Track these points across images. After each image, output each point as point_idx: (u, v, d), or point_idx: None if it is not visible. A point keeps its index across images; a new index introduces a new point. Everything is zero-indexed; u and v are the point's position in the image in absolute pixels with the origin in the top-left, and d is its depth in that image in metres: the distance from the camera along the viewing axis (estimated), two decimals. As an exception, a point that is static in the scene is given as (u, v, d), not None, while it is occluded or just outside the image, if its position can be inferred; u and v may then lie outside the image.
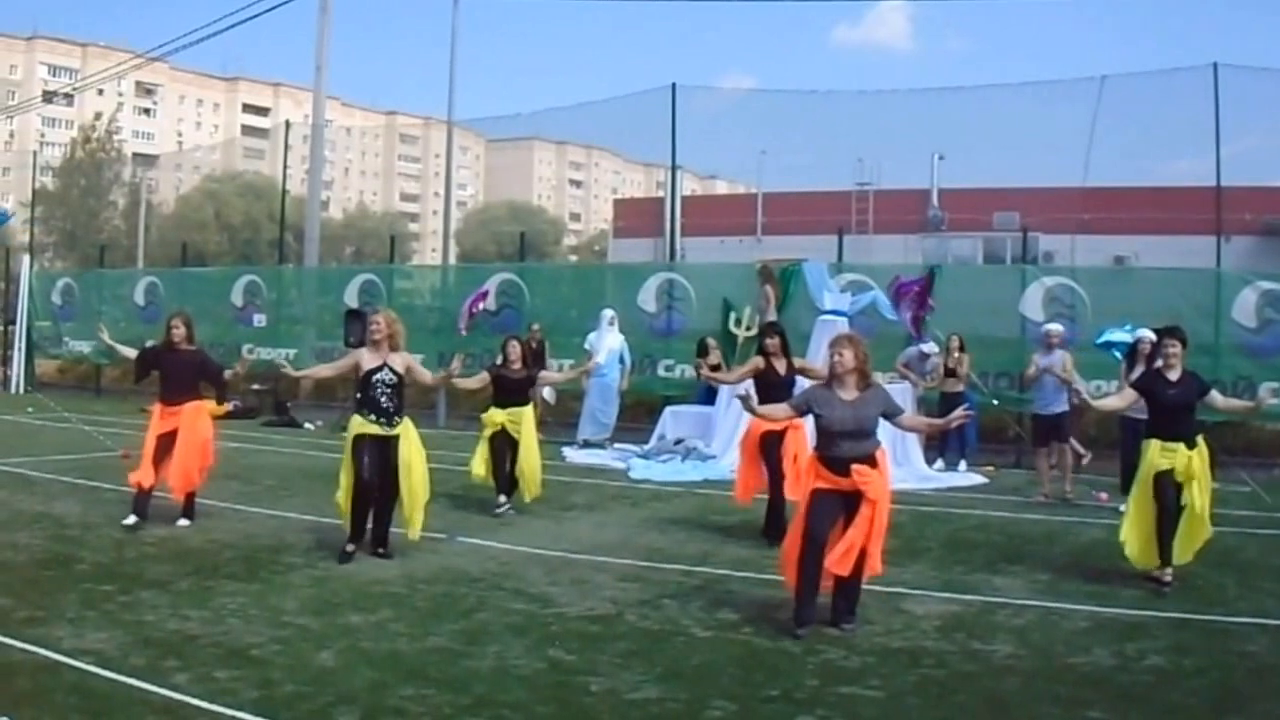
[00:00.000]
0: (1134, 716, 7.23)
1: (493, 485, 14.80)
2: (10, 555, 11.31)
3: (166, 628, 8.70)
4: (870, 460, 9.16)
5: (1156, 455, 11.13)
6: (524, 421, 14.86)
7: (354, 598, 9.82)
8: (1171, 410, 11.30)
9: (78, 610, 9.13)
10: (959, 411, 10.12)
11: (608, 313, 22.42)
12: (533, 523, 13.99)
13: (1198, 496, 11.00)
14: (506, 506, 14.68)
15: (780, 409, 10.43)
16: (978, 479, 18.55)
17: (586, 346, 22.14)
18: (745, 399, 10.24)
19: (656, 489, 17.11)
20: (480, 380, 15.34)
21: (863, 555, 9.08)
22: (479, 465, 14.91)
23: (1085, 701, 7.40)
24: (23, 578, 10.32)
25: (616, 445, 21.22)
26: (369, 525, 11.72)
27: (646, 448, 20.04)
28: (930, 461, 19.14)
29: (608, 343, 22.05)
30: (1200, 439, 11.20)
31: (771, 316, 20.82)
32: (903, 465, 17.90)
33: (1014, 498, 16.87)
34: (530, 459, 14.79)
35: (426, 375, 12.35)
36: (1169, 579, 10.90)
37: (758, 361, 13.58)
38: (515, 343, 15.43)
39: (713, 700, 7.27)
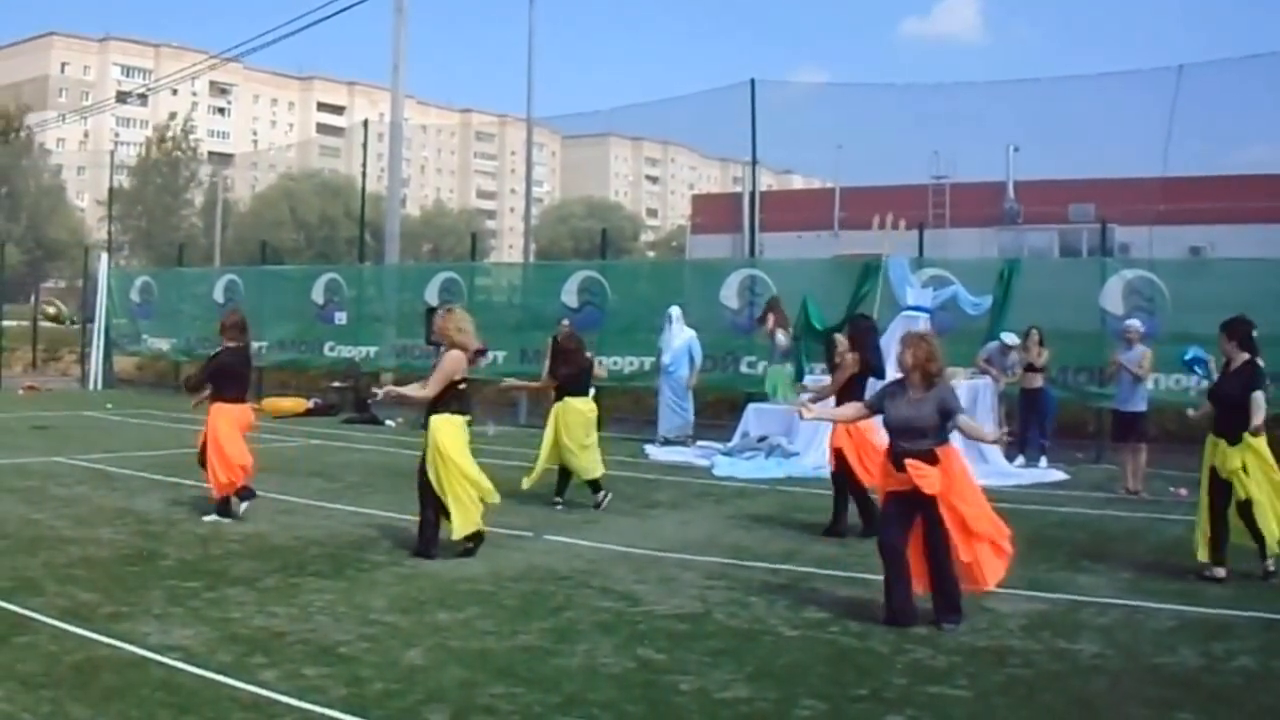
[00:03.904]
0: (1224, 719, 7.23)
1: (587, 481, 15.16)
2: (94, 551, 11.47)
3: (253, 624, 8.81)
4: (927, 456, 9.24)
5: (1208, 452, 11.32)
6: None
7: (441, 595, 9.90)
8: (1215, 403, 11.50)
9: (163, 606, 9.25)
10: (1000, 432, 10.21)
11: (674, 310, 22.43)
12: (618, 521, 14.08)
13: (1239, 492, 11.05)
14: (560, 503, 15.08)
15: (852, 409, 10.45)
16: (1058, 475, 18.46)
17: (660, 346, 22.23)
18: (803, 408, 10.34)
19: (740, 486, 17.13)
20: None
21: (948, 551, 9.17)
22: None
23: (1174, 703, 7.38)
24: (107, 573, 10.46)
25: (700, 443, 21.22)
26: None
27: (730, 445, 19.99)
28: (1010, 458, 19.05)
29: (675, 341, 22.16)
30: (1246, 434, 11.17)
31: (783, 346, 21.36)
32: (982, 463, 17.90)
33: (1095, 494, 16.80)
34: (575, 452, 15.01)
35: (414, 389, 12.05)
36: (1221, 575, 11.02)
37: (851, 365, 13.63)
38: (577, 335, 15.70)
39: (802, 700, 7.30)
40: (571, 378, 15.31)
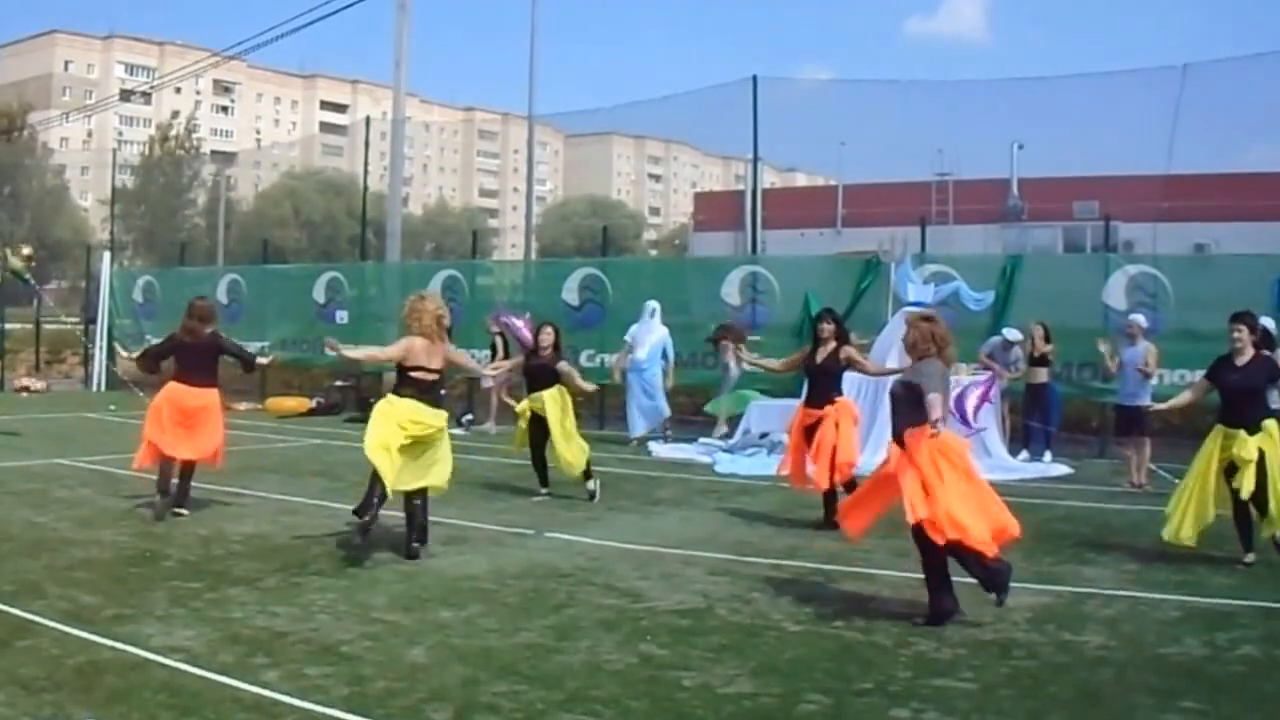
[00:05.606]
0: (1227, 707, 7.20)
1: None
2: (96, 553, 11.42)
3: (255, 625, 8.78)
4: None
5: (1218, 442, 11.46)
6: (545, 405, 15.14)
7: (443, 594, 9.87)
8: (1233, 395, 11.61)
9: (165, 608, 9.21)
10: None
11: (650, 304, 22.30)
12: (620, 518, 14.06)
13: (1247, 482, 11.17)
14: (544, 496, 15.30)
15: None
16: (1062, 469, 18.46)
17: (627, 339, 22.14)
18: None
19: (743, 483, 17.10)
20: (513, 363, 15.65)
21: None
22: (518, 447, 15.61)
23: (1178, 692, 7.37)
24: (110, 575, 10.42)
25: (702, 440, 21.15)
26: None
27: (731, 442, 19.99)
28: (1014, 453, 19.04)
29: (649, 338, 22.00)
30: (1269, 423, 11.42)
31: (735, 371, 21.53)
32: (985, 457, 17.86)
33: (1099, 488, 16.78)
34: (560, 445, 15.06)
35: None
36: (1250, 560, 11.27)
37: (805, 350, 13.87)
38: (548, 329, 15.62)
39: (806, 694, 7.29)
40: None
